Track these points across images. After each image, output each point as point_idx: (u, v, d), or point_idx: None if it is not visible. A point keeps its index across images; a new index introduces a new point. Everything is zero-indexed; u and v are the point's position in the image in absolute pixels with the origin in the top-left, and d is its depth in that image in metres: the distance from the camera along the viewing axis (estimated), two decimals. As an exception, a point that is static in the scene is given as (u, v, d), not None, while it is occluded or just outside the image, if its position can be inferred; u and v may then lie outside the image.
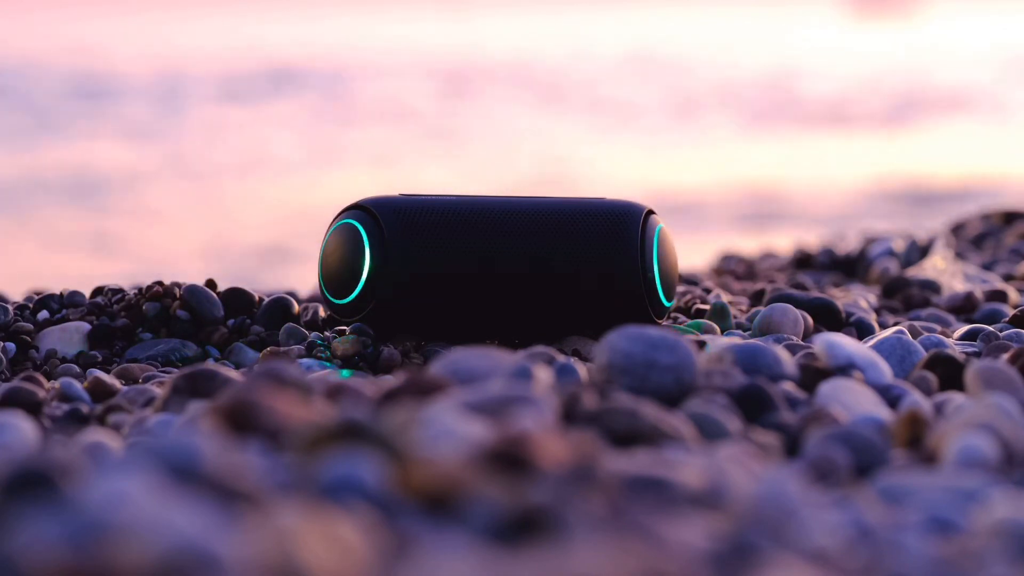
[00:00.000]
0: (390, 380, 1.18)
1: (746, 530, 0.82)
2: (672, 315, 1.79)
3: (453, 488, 0.82)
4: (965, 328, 1.69)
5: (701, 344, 1.51)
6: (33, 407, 1.32)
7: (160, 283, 1.69)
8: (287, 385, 1.06)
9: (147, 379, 1.52)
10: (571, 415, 1.06)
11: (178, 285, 1.69)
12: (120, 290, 1.72)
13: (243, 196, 6.87)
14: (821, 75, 12.69)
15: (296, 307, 1.71)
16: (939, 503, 0.94)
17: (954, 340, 1.64)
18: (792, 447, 1.10)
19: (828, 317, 1.75)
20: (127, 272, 4.61)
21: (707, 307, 1.78)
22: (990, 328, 1.65)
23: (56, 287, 1.77)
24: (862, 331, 1.74)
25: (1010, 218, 2.87)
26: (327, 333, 1.65)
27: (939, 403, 1.23)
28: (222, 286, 1.72)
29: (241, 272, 4.86)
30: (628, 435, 1.03)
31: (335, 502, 0.81)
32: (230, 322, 1.68)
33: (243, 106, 10.32)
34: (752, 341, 1.28)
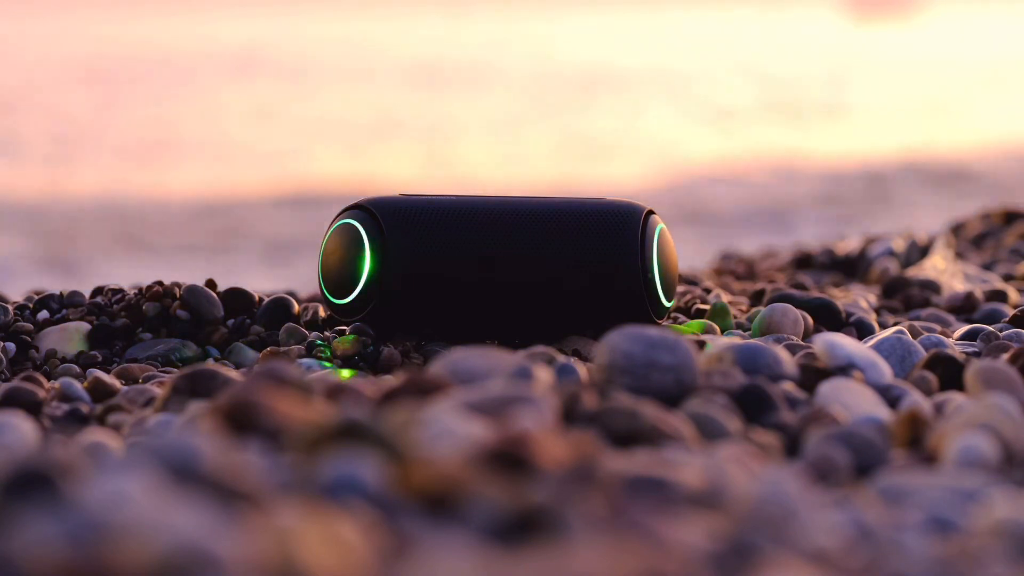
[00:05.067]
0: (390, 380, 1.18)
1: (746, 530, 0.82)
2: (672, 315, 1.79)
3: (453, 488, 0.82)
4: (965, 328, 1.69)
5: (701, 344, 1.51)
6: (33, 407, 1.32)
7: (160, 283, 1.69)
8: (287, 385, 1.06)
9: (147, 379, 1.52)
10: (571, 415, 1.06)
11: (178, 285, 1.69)
12: (120, 290, 1.72)
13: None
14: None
15: (296, 307, 1.71)
16: (939, 503, 0.94)
17: (954, 340, 1.64)
18: (792, 447, 1.10)
19: (828, 317, 1.75)
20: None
21: (707, 307, 1.78)
22: (990, 328, 1.65)
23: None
24: (862, 331, 1.74)
25: (1010, 218, 2.87)
26: (327, 333, 1.65)
27: (939, 403, 1.23)
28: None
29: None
30: (628, 435, 1.03)
31: (335, 502, 0.81)
32: (230, 322, 1.68)
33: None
34: (752, 341, 1.28)
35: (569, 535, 0.79)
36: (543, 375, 1.14)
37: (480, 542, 0.78)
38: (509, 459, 0.87)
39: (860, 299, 1.94)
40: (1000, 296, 2.03)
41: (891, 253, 2.40)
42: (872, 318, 1.79)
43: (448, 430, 0.92)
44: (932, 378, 1.31)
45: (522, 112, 10.39)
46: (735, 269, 2.48)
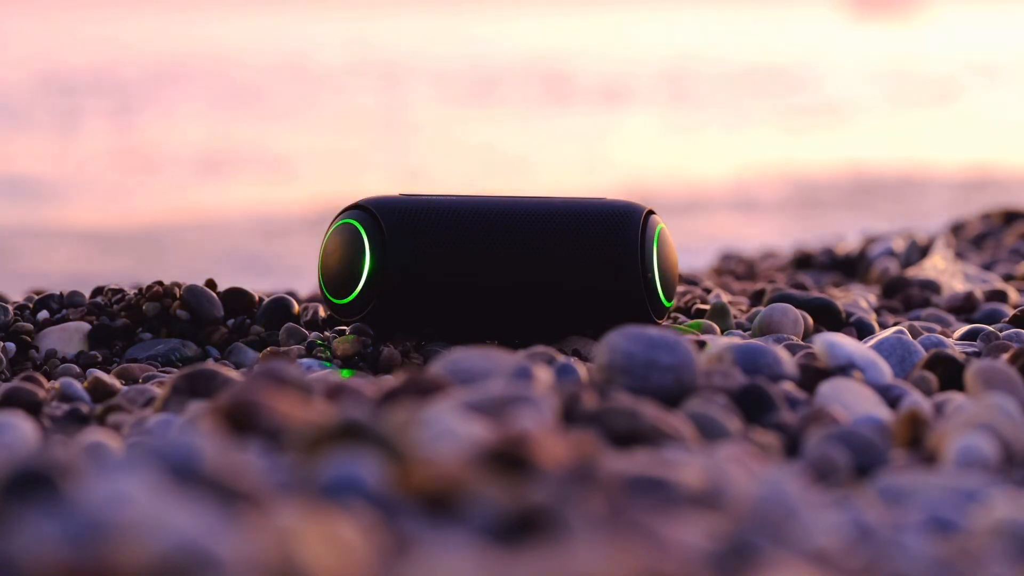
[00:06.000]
0: (390, 380, 1.18)
1: (746, 530, 0.82)
2: (672, 315, 1.79)
3: (453, 488, 0.82)
4: (965, 328, 1.69)
5: (701, 344, 1.51)
6: (33, 407, 1.32)
7: (160, 283, 1.69)
8: (287, 385, 1.06)
9: (147, 379, 1.52)
10: (571, 415, 1.06)
11: (178, 285, 1.69)
12: (120, 290, 1.72)
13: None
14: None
15: (296, 307, 1.71)
16: (939, 503, 0.94)
17: (954, 340, 1.64)
18: (792, 447, 1.10)
19: (828, 317, 1.75)
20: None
21: (707, 307, 1.78)
22: (990, 328, 1.65)
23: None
24: (862, 331, 1.74)
25: (1010, 218, 2.87)
26: (327, 333, 1.65)
27: (939, 403, 1.23)
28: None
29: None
30: (628, 435, 1.03)
31: (335, 502, 0.81)
32: (230, 322, 1.68)
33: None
34: (752, 341, 1.28)
35: (569, 535, 0.79)
36: (543, 375, 1.14)
37: (480, 542, 0.78)
38: (509, 459, 0.87)
39: (860, 299, 1.94)
40: (1000, 296, 2.03)
41: (891, 253, 2.40)
42: (872, 318, 1.79)
43: (448, 430, 0.92)
44: (932, 378, 1.31)
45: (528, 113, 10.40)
46: (735, 269, 2.49)
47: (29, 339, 1.65)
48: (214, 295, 1.69)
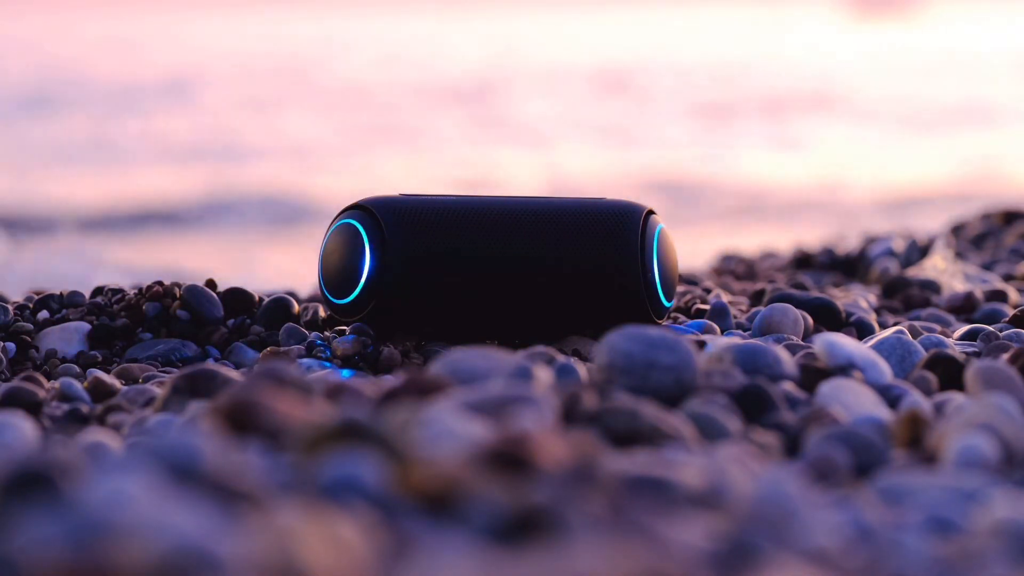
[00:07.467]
0: (390, 380, 1.18)
1: (746, 530, 0.82)
2: (672, 315, 1.79)
3: (453, 488, 0.82)
4: (965, 328, 1.69)
5: (701, 344, 1.51)
6: (33, 407, 1.32)
7: (160, 283, 1.69)
8: (287, 385, 1.06)
9: (147, 379, 1.52)
10: (571, 415, 1.06)
11: (178, 285, 1.69)
12: (120, 290, 1.72)
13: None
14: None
15: (296, 307, 1.71)
16: (939, 503, 0.94)
17: (954, 340, 1.64)
18: (792, 447, 1.10)
19: (828, 317, 1.75)
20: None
21: (707, 307, 1.78)
22: (990, 328, 1.65)
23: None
24: (862, 331, 1.74)
25: (1010, 218, 2.87)
26: (327, 333, 1.65)
27: (939, 403, 1.23)
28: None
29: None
30: (628, 435, 1.03)
31: (335, 502, 0.81)
32: (230, 322, 1.68)
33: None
34: (752, 341, 1.28)
35: (569, 535, 0.79)
36: (543, 375, 1.14)
37: (480, 542, 0.78)
38: (509, 459, 0.87)
39: (860, 299, 1.94)
40: (1000, 296, 2.03)
41: (891, 253, 2.40)
42: (872, 318, 1.79)
43: (448, 430, 0.92)
44: (932, 378, 1.31)
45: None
46: (735, 269, 2.49)
47: (29, 339, 1.65)
48: (214, 295, 1.69)
